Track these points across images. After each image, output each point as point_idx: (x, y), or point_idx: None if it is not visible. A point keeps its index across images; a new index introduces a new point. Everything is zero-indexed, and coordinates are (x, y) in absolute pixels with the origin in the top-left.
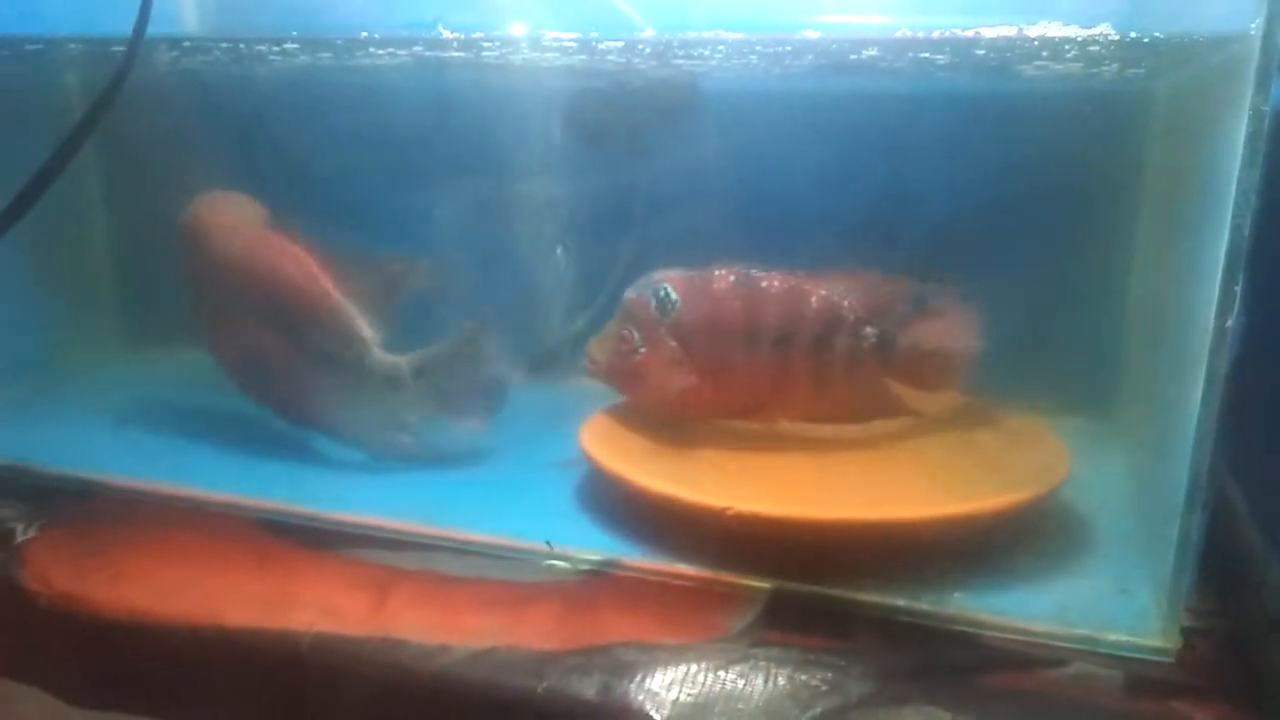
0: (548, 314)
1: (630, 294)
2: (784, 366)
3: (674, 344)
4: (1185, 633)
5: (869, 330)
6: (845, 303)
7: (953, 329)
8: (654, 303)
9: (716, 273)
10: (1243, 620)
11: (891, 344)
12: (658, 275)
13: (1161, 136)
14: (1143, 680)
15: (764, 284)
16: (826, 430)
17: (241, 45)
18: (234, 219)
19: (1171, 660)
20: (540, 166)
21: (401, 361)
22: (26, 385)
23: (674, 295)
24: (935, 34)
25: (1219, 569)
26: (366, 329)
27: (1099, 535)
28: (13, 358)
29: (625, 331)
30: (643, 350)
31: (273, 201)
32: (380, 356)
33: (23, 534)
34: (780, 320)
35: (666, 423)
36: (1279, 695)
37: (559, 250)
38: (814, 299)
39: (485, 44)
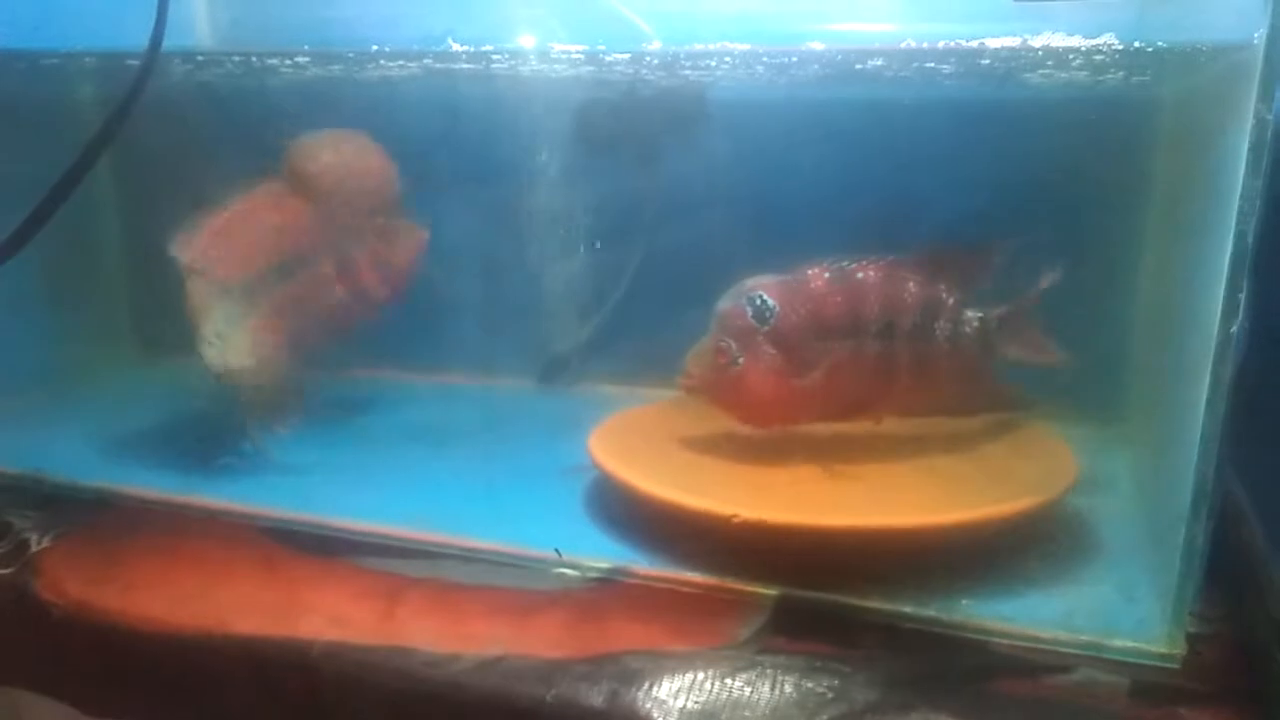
0: (558, 321)
1: (725, 305)
2: (887, 359)
3: (774, 352)
4: (1191, 639)
5: (969, 313)
6: (942, 285)
7: (1034, 296)
8: (750, 311)
9: (809, 272)
10: (1248, 626)
11: (992, 324)
12: (750, 283)
13: (1168, 142)
14: (1148, 686)
15: (859, 276)
16: (834, 437)
17: (254, 58)
18: None
19: (1177, 666)
20: (548, 175)
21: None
22: (41, 395)
23: (770, 302)
24: (940, 44)
25: (1225, 574)
26: None
27: (1105, 541)
28: (27, 368)
29: (723, 344)
30: (741, 361)
31: None
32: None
33: (37, 544)
34: (879, 312)
35: (765, 434)
36: None
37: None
38: (911, 284)
39: (494, 56)
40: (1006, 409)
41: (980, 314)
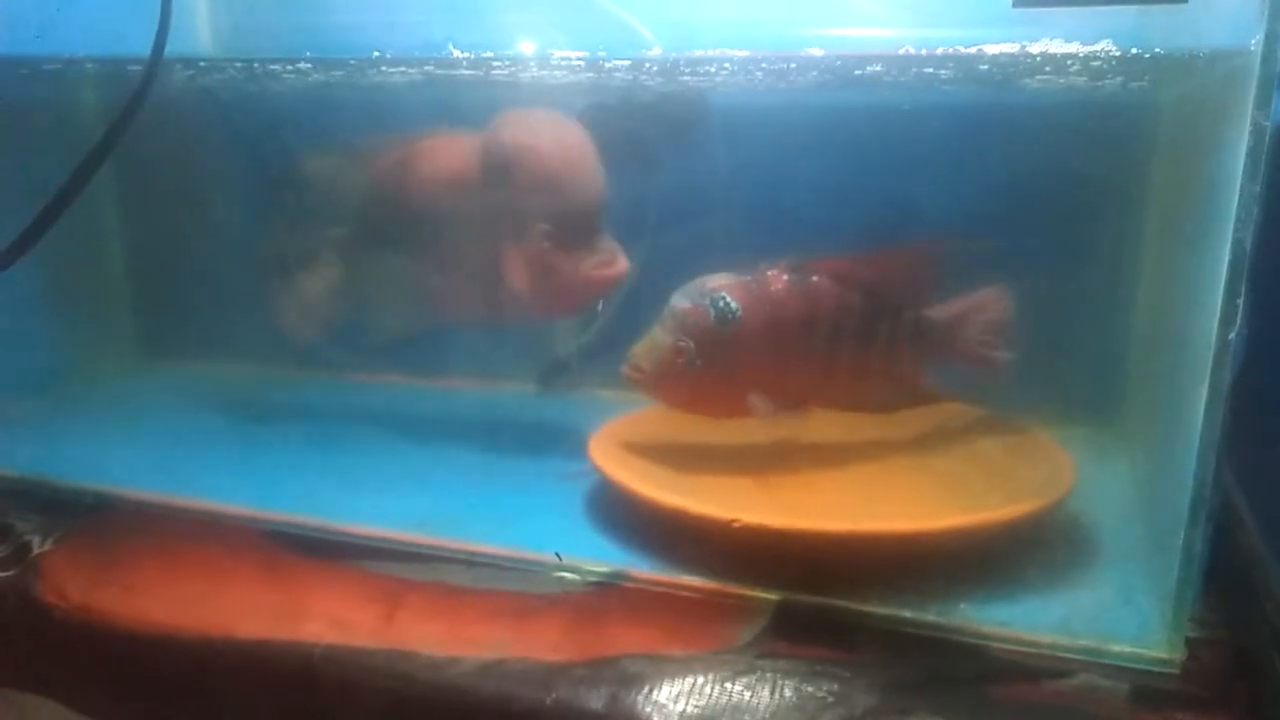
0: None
1: (683, 303)
2: (830, 360)
3: (732, 353)
4: (1190, 643)
5: (907, 315)
6: (890, 289)
7: (983, 301)
8: (713, 314)
9: (769, 274)
10: (1247, 631)
11: (928, 325)
12: (710, 283)
13: (1167, 147)
14: (1147, 691)
15: (815, 280)
16: (833, 441)
17: (255, 64)
18: None
19: (1176, 671)
20: None
21: None
22: (43, 398)
23: (734, 305)
24: (939, 51)
25: (1224, 579)
26: None
27: (1104, 546)
28: (30, 371)
29: (681, 344)
30: (699, 363)
31: (290, 213)
32: None
33: (39, 546)
34: (832, 315)
35: (705, 424)
36: None
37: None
38: (860, 286)
39: (495, 63)
40: (927, 402)
41: (916, 315)
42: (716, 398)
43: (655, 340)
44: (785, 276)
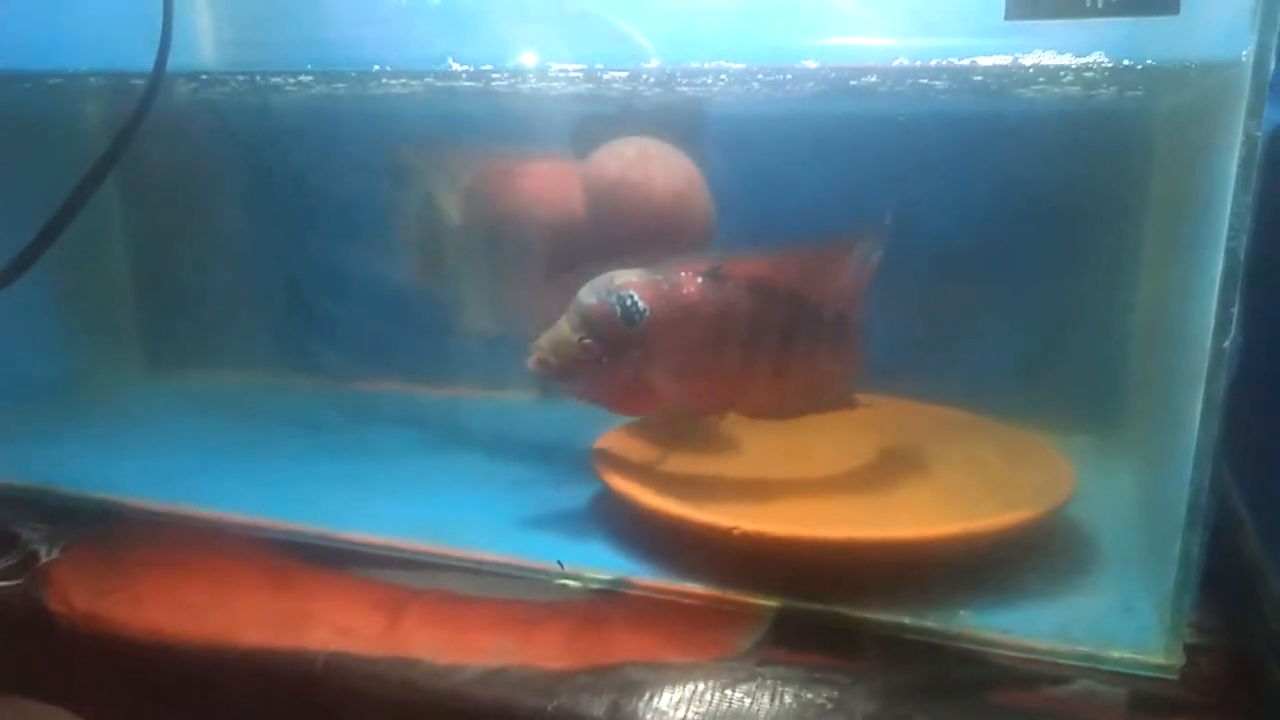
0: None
1: (590, 299)
2: (748, 362)
3: (638, 353)
4: (1188, 649)
5: (827, 316)
6: (808, 288)
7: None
8: (619, 312)
9: (682, 274)
10: (1246, 637)
11: (845, 324)
12: (618, 279)
13: (1163, 156)
14: (1146, 697)
15: (730, 283)
16: (833, 449)
17: (258, 77)
18: None
19: (1175, 677)
20: None
21: None
22: (49, 408)
23: (641, 304)
24: (933, 63)
25: (1223, 585)
26: None
27: (1103, 553)
28: (36, 381)
29: (587, 342)
30: (605, 361)
31: (288, 222)
32: None
33: (46, 555)
34: (748, 319)
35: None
36: None
37: None
38: (779, 291)
39: (494, 75)
40: (831, 407)
41: (836, 316)
42: (626, 395)
43: (560, 334)
44: (699, 277)
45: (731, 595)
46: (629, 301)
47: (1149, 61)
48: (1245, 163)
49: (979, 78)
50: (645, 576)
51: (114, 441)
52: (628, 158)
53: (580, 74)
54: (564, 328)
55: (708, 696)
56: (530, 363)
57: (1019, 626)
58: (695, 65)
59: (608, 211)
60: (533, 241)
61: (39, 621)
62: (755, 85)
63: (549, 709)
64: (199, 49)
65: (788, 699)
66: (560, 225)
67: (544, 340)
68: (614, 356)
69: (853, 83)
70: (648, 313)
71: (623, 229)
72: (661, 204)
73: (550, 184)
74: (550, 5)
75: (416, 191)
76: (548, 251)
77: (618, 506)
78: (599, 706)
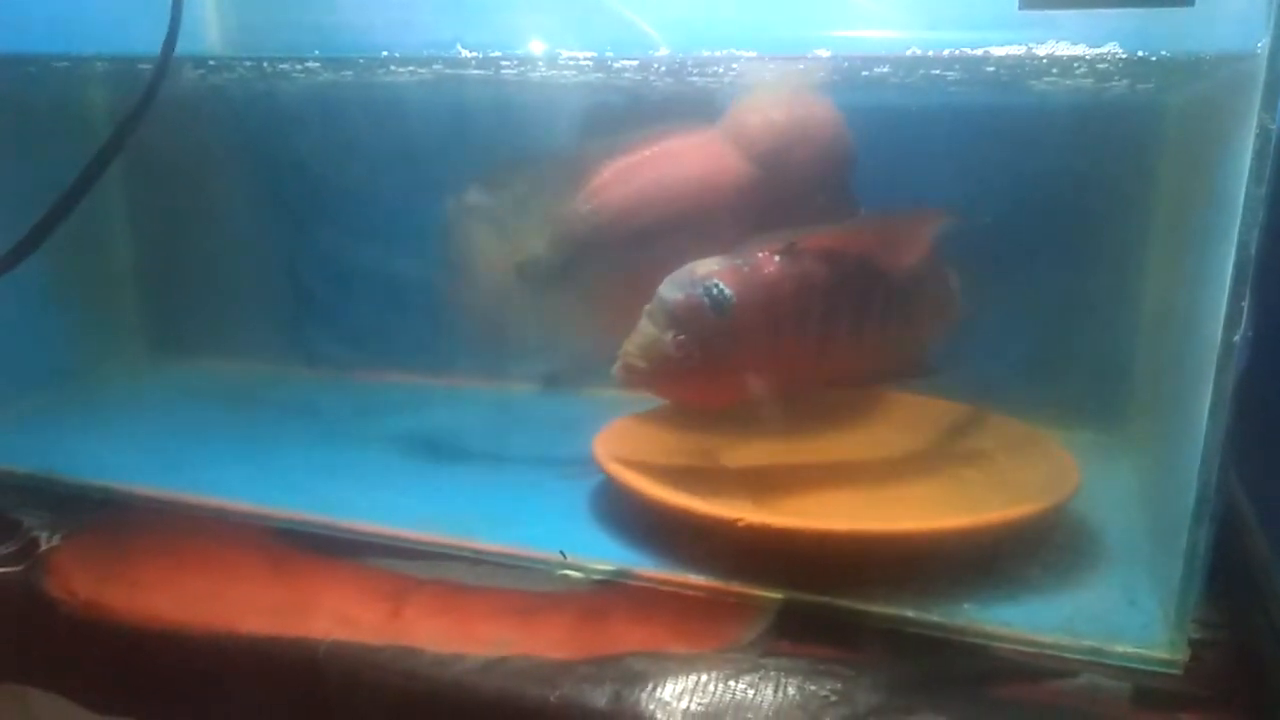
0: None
1: (675, 295)
2: (830, 336)
3: (730, 341)
4: (1193, 644)
5: (899, 284)
6: (879, 257)
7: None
8: (708, 302)
9: (759, 255)
10: (1251, 631)
11: (918, 292)
12: (699, 269)
13: (1174, 149)
14: (1150, 692)
15: (806, 258)
16: (839, 441)
17: (265, 64)
18: None
19: (1179, 672)
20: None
21: None
22: (51, 395)
23: (728, 291)
24: (945, 53)
25: (1228, 580)
26: None
27: (1107, 547)
28: (37, 368)
29: (680, 338)
30: (696, 354)
31: (295, 210)
32: None
33: (47, 542)
34: (827, 292)
35: (710, 423)
36: None
37: None
38: (853, 262)
39: (504, 62)
40: (909, 375)
41: (907, 284)
42: (715, 387)
43: (648, 335)
44: (776, 256)
45: (735, 587)
46: (715, 290)
47: (1163, 53)
48: (1259, 155)
49: (992, 69)
50: (648, 567)
51: (116, 429)
52: (782, 105)
53: (590, 62)
54: (649, 329)
55: (711, 687)
56: (617, 371)
57: (1023, 620)
58: (706, 54)
59: (783, 162)
60: (697, 224)
61: (40, 609)
62: (768, 75)
63: (551, 699)
64: (206, 34)
65: (791, 691)
66: (725, 196)
67: (630, 345)
68: (704, 348)
69: (864, 73)
70: (735, 299)
71: (801, 174)
72: (833, 135)
73: (701, 157)
74: None
75: (526, 214)
76: (714, 229)
77: (620, 497)
78: (601, 697)
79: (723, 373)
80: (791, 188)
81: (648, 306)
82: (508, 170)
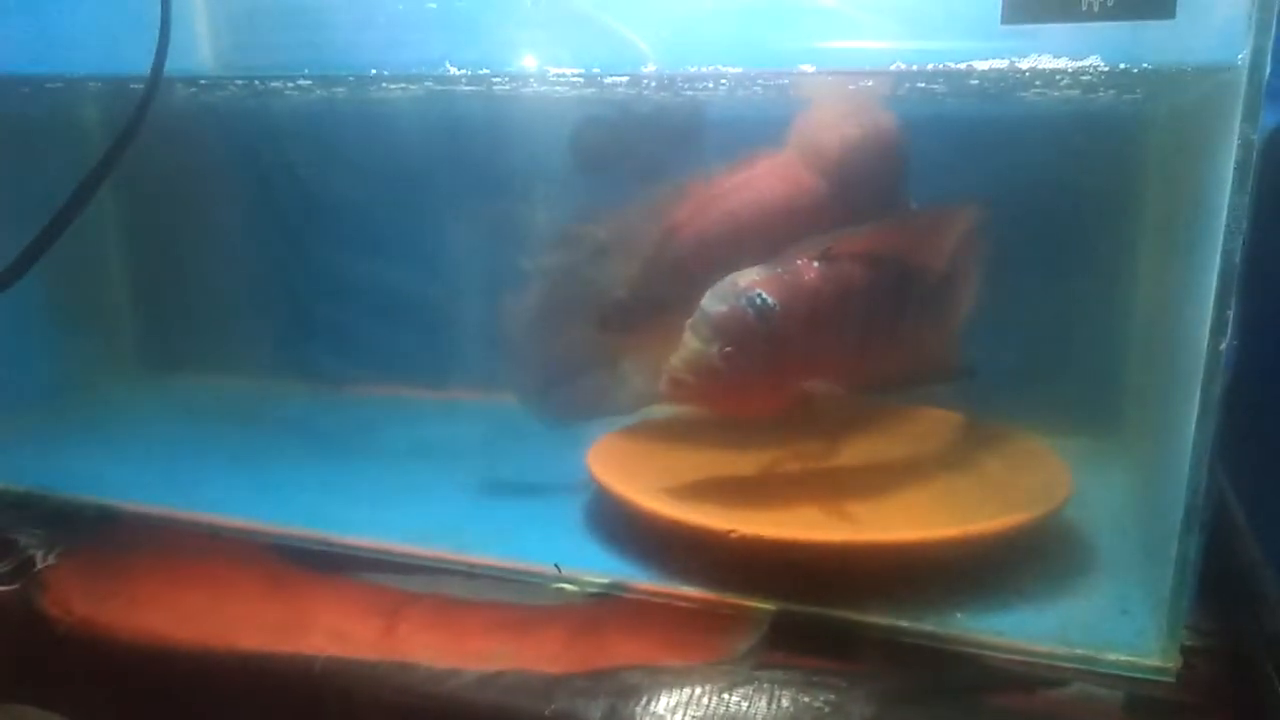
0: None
1: (719, 307)
2: (868, 339)
3: (775, 352)
4: (1186, 652)
5: (931, 282)
6: (912, 259)
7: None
8: (752, 313)
9: (798, 262)
10: (1244, 639)
11: (948, 294)
12: (741, 280)
13: (1160, 159)
14: (1144, 700)
15: (842, 262)
16: (830, 451)
17: (256, 81)
18: None
19: (1172, 680)
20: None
21: None
22: (45, 412)
23: (770, 300)
24: (930, 67)
25: (1220, 588)
26: None
27: (1100, 555)
28: (32, 385)
29: (727, 350)
30: (744, 365)
31: (288, 226)
32: None
33: (43, 560)
34: (864, 294)
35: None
36: None
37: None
38: (887, 264)
39: (494, 79)
40: (939, 380)
41: (940, 281)
42: (762, 397)
43: (693, 349)
44: (814, 262)
45: (728, 598)
46: (759, 300)
47: (1145, 65)
48: (1241, 166)
49: (976, 82)
50: (642, 580)
51: (110, 446)
52: (851, 119)
53: (580, 78)
54: (694, 343)
55: (705, 700)
56: (664, 387)
57: (1016, 629)
58: (694, 70)
59: (857, 176)
60: (780, 249)
61: (36, 626)
62: (757, 89)
63: (546, 713)
64: (197, 53)
65: (785, 702)
66: (807, 217)
67: (676, 360)
68: (752, 359)
69: (850, 87)
70: (778, 307)
71: (872, 186)
72: (896, 143)
73: (780, 182)
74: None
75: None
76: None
77: (614, 510)
78: (596, 710)
79: (769, 382)
80: (863, 200)
81: (690, 321)
82: (583, 222)
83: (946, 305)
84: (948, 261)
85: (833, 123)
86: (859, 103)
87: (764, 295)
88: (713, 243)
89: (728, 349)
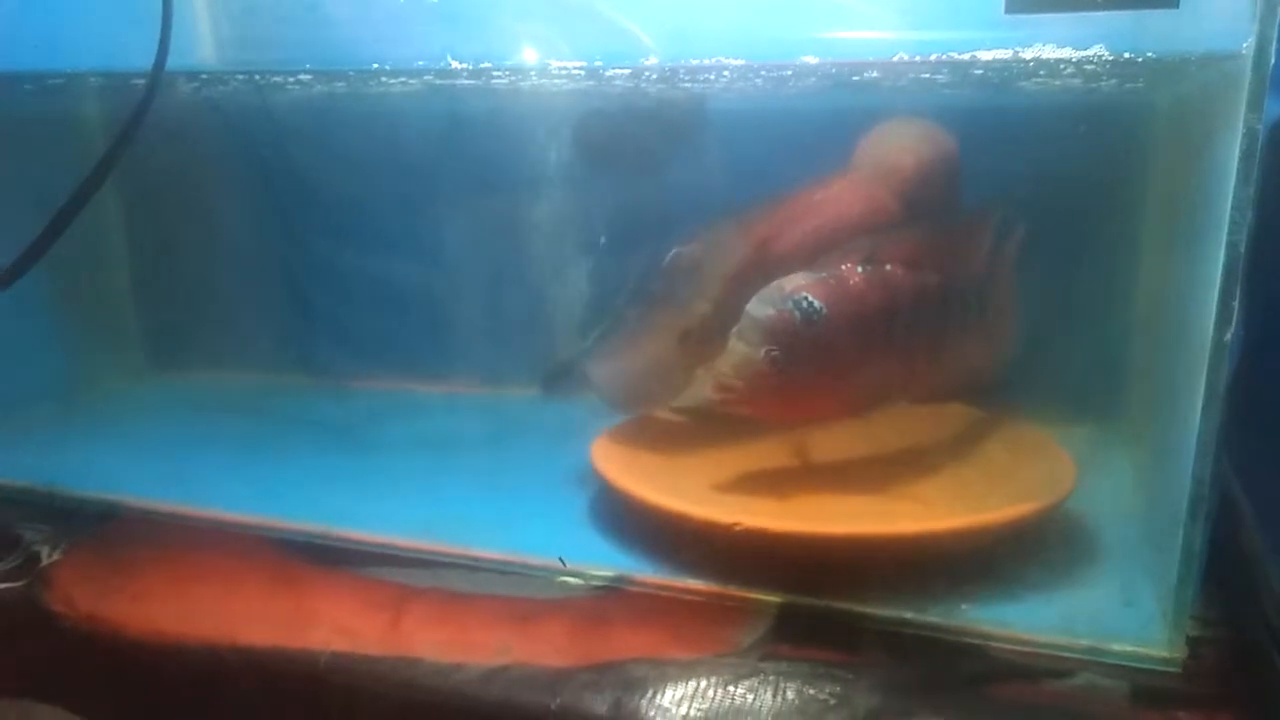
0: (562, 330)
1: (766, 311)
2: (912, 345)
3: (821, 356)
4: (1191, 642)
5: (971, 290)
6: (955, 264)
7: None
8: (799, 316)
9: (843, 267)
10: (1249, 629)
11: (989, 300)
12: (787, 286)
13: (1164, 148)
14: (1149, 690)
15: (889, 267)
16: (834, 443)
17: (258, 76)
18: None
19: (1177, 670)
20: (552, 185)
21: None
22: (51, 409)
23: (817, 304)
24: (933, 57)
25: (1225, 577)
26: None
27: (1104, 546)
28: (37, 381)
29: (774, 353)
30: (791, 369)
31: (293, 221)
32: None
33: (48, 556)
34: (909, 299)
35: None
36: None
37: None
38: (930, 269)
39: (495, 73)
40: (980, 386)
41: (973, 290)
42: (808, 401)
43: (740, 354)
44: (859, 266)
45: (733, 591)
46: (805, 304)
47: (1149, 54)
48: (1246, 155)
49: (980, 72)
50: (647, 573)
51: (115, 442)
52: (922, 139)
53: (581, 71)
54: (740, 348)
55: (710, 693)
56: (712, 392)
57: (1021, 620)
58: (696, 62)
59: (926, 195)
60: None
61: (41, 622)
62: (759, 81)
63: (551, 707)
64: (198, 49)
65: (790, 695)
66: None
67: (723, 366)
68: (799, 363)
69: (854, 78)
70: (824, 310)
71: (937, 203)
72: (956, 160)
73: (857, 201)
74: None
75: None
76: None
77: (618, 503)
78: (601, 704)
79: (816, 386)
80: (930, 216)
81: (736, 327)
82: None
83: (988, 312)
84: (987, 266)
85: (904, 145)
86: (924, 125)
87: (810, 298)
88: (793, 262)
89: (775, 352)
